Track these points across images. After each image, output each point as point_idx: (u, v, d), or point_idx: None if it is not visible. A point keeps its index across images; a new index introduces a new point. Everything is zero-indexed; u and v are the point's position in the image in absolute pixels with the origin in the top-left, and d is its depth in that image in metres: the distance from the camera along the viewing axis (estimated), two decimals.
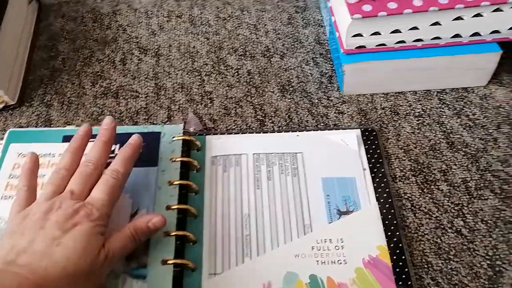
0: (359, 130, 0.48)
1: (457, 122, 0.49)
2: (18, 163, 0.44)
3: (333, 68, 0.55)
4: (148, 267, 0.37)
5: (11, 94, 0.53)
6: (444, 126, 0.49)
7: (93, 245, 0.33)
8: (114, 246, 0.35)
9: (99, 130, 0.40)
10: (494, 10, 0.47)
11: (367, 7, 0.46)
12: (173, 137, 0.45)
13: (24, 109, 0.53)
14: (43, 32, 0.63)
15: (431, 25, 0.48)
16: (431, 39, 0.49)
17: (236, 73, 0.56)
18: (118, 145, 0.45)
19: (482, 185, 0.44)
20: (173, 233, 0.39)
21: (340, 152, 0.46)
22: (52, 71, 0.58)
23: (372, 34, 0.48)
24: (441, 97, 0.52)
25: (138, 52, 0.59)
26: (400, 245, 0.40)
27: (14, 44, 0.56)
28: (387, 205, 0.42)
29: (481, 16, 0.47)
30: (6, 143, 0.45)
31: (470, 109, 0.51)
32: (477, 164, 0.46)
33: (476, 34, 0.48)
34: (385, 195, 0.43)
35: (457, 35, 0.49)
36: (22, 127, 0.51)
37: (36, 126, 0.51)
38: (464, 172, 0.45)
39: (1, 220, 0.40)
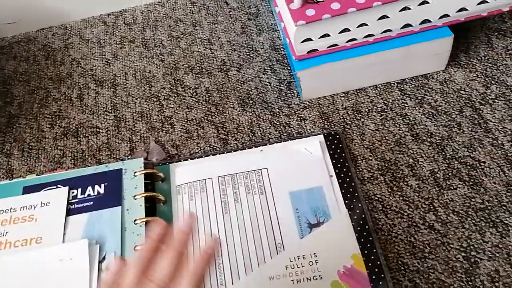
0: (322, 135, 0.47)
1: (419, 112, 0.49)
2: None
3: (291, 73, 0.54)
4: None
5: None
6: (407, 118, 0.49)
7: None
8: None
9: (175, 233, 0.31)
10: None
11: (310, 12, 0.45)
12: (135, 172, 0.45)
13: None
14: None
15: (379, 19, 0.47)
16: (382, 33, 0.48)
17: (195, 93, 0.55)
18: (79, 189, 0.44)
19: (450, 174, 0.44)
20: None
21: (305, 162, 0.45)
22: (9, 117, 0.57)
23: (321, 37, 0.47)
24: (402, 88, 0.51)
25: (95, 85, 0.58)
26: (374, 250, 0.39)
27: None
28: (357, 210, 0.42)
29: (428, 3, 0.46)
30: None
31: (431, 96, 0.50)
32: (443, 153, 0.46)
33: (426, 21, 0.48)
34: (354, 200, 0.42)
35: (407, 25, 0.48)
36: None
37: None
38: (431, 163, 0.45)
39: None
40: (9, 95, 0.59)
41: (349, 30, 0.47)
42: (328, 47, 0.48)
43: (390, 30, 0.48)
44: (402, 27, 0.48)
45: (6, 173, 0.51)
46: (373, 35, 0.48)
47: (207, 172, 0.45)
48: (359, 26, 0.47)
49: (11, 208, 0.44)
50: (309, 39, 0.47)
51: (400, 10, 0.46)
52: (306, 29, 0.45)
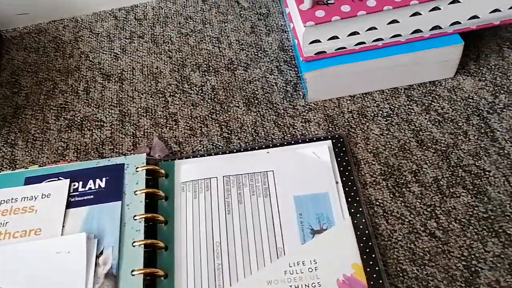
0: (330, 141, 0.46)
1: (426, 118, 0.48)
2: None
3: (298, 74, 0.54)
4: None
5: None
6: (413, 124, 0.48)
7: None
8: None
9: None
10: (451, 2, 0.46)
11: (320, 13, 0.45)
12: (137, 168, 0.45)
13: None
14: (6, 67, 0.62)
15: (389, 23, 0.46)
16: (391, 37, 0.48)
17: (200, 91, 0.55)
18: (81, 182, 0.44)
19: (454, 182, 0.44)
20: (140, 271, 0.38)
21: (312, 166, 0.44)
22: (16, 108, 0.57)
23: (329, 39, 0.47)
24: (409, 94, 0.51)
25: (102, 79, 0.58)
26: (374, 256, 0.39)
27: None
28: (358, 215, 0.41)
29: (439, 9, 0.46)
30: None
31: (438, 103, 0.50)
32: (448, 160, 0.45)
33: (436, 27, 0.47)
34: (355, 204, 0.42)
35: (417, 31, 0.47)
36: None
37: (1, 169, 0.51)
38: (435, 170, 0.45)
39: None
40: (17, 86, 0.59)
41: (358, 33, 0.46)
42: (336, 50, 0.47)
43: (400, 35, 0.47)
44: (412, 33, 0.47)
45: (9, 163, 0.51)
46: (382, 39, 0.47)
47: (213, 171, 0.45)
48: (368, 29, 0.46)
49: (12, 199, 0.44)
50: (317, 41, 0.46)
51: (411, 15, 0.46)
52: (315, 30, 0.45)
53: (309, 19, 0.44)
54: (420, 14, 0.46)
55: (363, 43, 0.47)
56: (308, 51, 0.47)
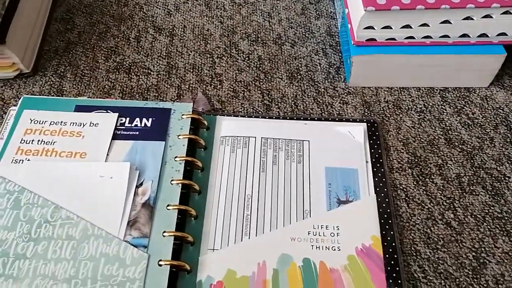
0: (365, 124, 0.49)
1: (456, 120, 0.51)
2: (31, 128, 0.45)
3: (342, 60, 0.57)
4: (149, 237, 0.39)
5: (26, 62, 0.54)
6: (443, 123, 0.51)
7: None
8: None
9: None
10: (504, 13, 0.48)
11: (381, 0, 0.47)
12: (183, 115, 0.47)
13: (38, 78, 0.55)
14: (61, 4, 0.64)
15: (441, 23, 0.49)
16: (440, 37, 0.50)
17: (247, 58, 0.57)
18: (128, 118, 0.47)
19: (474, 181, 0.46)
20: (175, 207, 0.41)
21: (346, 143, 0.47)
22: (68, 43, 0.59)
23: (383, 28, 0.49)
24: (444, 95, 0.53)
25: (153, 31, 0.60)
26: (392, 233, 0.42)
27: (33, 14, 0.58)
28: (382, 194, 0.44)
29: (491, 17, 0.48)
30: (20, 109, 0.47)
31: (470, 108, 0.52)
32: (472, 161, 0.48)
33: (483, 35, 0.50)
34: (381, 184, 0.45)
35: (465, 35, 0.50)
36: (34, 95, 0.53)
37: (48, 95, 0.53)
38: (458, 167, 0.47)
39: (12, 183, 0.42)
40: (70, 23, 0.62)
41: (410, 27, 0.49)
42: (386, 39, 0.50)
43: (448, 37, 0.50)
44: (460, 36, 0.50)
45: (56, 92, 0.54)
46: (431, 37, 0.50)
47: (252, 131, 0.48)
48: (421, 25, 0.49)
49: (61, 122, 0.46)
50: (371, 27, 0.49)
51: (463, 19, 0.48)
52: (372, 16, 0.47)
53: (370, 4, 0.46)
54: (473, 19, 0.48)
55: (413, 38, 0.50)
56: (361, 36, 0.49)
